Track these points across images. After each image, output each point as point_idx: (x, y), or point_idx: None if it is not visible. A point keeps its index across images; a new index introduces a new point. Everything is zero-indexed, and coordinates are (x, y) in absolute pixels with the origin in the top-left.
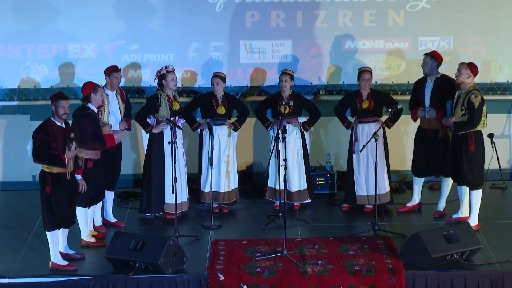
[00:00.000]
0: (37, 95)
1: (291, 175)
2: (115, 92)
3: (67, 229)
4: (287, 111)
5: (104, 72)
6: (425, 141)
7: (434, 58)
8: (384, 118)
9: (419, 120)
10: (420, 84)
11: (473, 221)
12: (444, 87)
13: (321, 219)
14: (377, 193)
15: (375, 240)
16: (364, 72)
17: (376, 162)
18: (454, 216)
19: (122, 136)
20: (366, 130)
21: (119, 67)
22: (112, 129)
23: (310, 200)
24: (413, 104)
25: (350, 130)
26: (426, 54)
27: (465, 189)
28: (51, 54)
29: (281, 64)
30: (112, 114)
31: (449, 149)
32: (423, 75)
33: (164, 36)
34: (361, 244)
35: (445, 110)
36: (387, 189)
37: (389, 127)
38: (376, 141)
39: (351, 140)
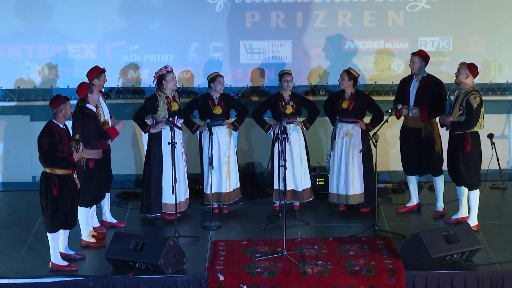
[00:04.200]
0: (37, 96)
1: (298, 174)
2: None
3: (68, 230)
4: (290, 111)
5: (91, 76)
6: (408, 139)
7: (422, 57)
8: (367, 119)
9: (402, 118)
10: (405, 83)
11: (473, 221)
12: (429, 87)
13: (321, 219)
14: (348, 194)
15: (375, 241)
16: (342, 72)
17: (345, 162)
18: (454, 216)
19: (122, 125)
20: (344, 129)
21: (103, 67)
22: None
23: (313, 197)
24: (397, 102)
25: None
26: (414, 54)
27: (464, 189)
28: (51, 54)
29: (281, 65)
30: (105, 113)
31: (434, 148)
32: (410, 74)
33: (164, 37)
34: (361, 245)
35: (429, 110)
36: (359, 191)
37: (369, 131)
38: (375, 141)
39: (332, 138)
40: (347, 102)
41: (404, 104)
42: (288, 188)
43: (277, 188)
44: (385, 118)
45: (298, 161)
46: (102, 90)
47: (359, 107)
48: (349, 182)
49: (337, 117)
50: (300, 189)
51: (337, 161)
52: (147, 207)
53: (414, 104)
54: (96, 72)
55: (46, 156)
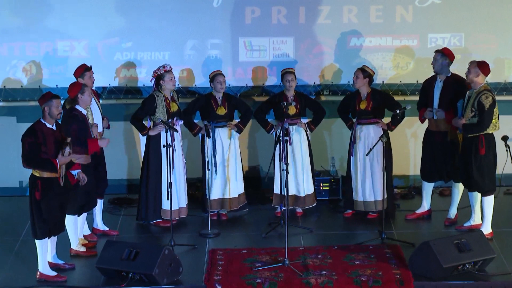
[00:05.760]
0: (25, 96)
1: (300, 178)
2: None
3: (56, 237)
4: (293, 111)
5: (75, 74)
6: (433, 143)
7: (445, 55)
8: (386, 119)
9: (427, 121)
10: (429, 83)
11: (486, 229)
12: (454, 87)
13: (325, 227)
14: (376, 199)
15: (383, 249)
16: (356, 70)
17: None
18: (466, 224)
19: (106, 143)
20: (364, 131)
21: (89, 65)
22: (98, 131)
23: (315, 204)
24: (421, 105)
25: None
26: (436, 51)
27: (477, 195)
28: (40, 52)
29: (283, 63)
30: (94, 115)
31: (459, 152)
32: (433, 74)
33: (159, 33)
34: (367, 254)
35: (455, 111)
36: (384, 196)
37: (391, 130)
38: (383, 144)
39: (351, 141)
40: (365, 102)
41: (429, 107)
42: (289, 193)
43: (278, 193)
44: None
45: (300, 165)
46: (95, 89)
47: (378, 106)
48: (377, 187)
49: (355, 120)
50: (302, 195)
51: (360, 166)
52: (145, 214)
53: (438, 106)
54: (80, 71)
55: (26, 156)
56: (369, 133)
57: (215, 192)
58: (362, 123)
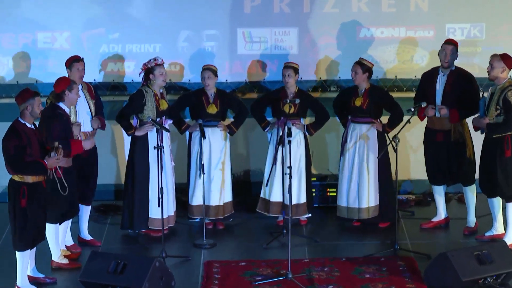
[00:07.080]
0: (1, 92)
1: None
2: (80, 86)
3: (34, 248)
4: (291, 110)
5: (66, 64)
6: (434, 143)
7: (457, 48)
8: (384, 119)
9: (425, 119)
10: (429, 77)
11: (510, 239)
12: (460, 83)
13: (331, 236)
14: (361, 207)
15: (395, 261)
16: (353, 65)
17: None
18: (488, 233)
19: (92, 145)
20: (357, 131)
21: (81, 57)
22: (82, 130)
23: (310, 215)
24: (419, 100)
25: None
26: (448, 43)
27: (498, 201)
28: (17, 44)
29: (285, 56)
30: (80, 112)
31: (465, 152)
32: (434, 67)
33: (149, 24)
34: (378, 266)
35: (472, 110)
36: (374, 203)
37: (387, 133)
38: (396, 145)
39: (342, 140)
40: (360, 99)
41: (429, 103)
42: (275, 200)
43: (264, 197)
44: (406, 118)
45: (294, 171)
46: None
47: (374, 105)
48: (363, 193)
49: (349, 117)
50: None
51: (348, 168)
52: (129, 222)
53: (442, 102)
54: (69, 61)
55: (13, 162)
56: (361, 133)
57: (198, 198)
58: (356, 121)
